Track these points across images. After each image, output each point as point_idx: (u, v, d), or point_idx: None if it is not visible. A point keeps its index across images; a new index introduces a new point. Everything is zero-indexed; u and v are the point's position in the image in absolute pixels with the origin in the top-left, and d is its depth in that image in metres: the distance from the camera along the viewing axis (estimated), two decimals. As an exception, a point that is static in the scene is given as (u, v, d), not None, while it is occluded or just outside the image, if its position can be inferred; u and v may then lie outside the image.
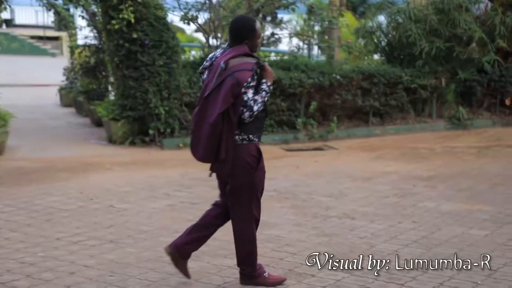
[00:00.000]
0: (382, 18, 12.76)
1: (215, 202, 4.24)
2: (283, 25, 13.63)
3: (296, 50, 12.16)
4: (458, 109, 11.18)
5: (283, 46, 14.91)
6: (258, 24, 3.83)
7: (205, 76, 3.84)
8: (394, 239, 5.24)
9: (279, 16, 16.84)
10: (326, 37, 12.30)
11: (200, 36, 19.33)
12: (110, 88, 12.36)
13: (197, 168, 8.25)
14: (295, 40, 12.83)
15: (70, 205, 6.24)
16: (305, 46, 13.20)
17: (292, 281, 4.18)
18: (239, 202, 3.96)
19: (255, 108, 3.64)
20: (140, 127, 9.84)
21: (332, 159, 9.08)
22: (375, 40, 12.25)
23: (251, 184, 3.89)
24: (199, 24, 11.18)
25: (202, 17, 11.48)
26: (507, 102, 11.54)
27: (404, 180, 7.59)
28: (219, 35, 10.94)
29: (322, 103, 10.58)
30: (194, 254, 4.77)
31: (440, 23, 10.84)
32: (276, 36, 12.19)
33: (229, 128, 3.60)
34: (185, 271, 4.13)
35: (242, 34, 3.74)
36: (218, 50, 3.92)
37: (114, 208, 6.16)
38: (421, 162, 8.67)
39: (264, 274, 4.06)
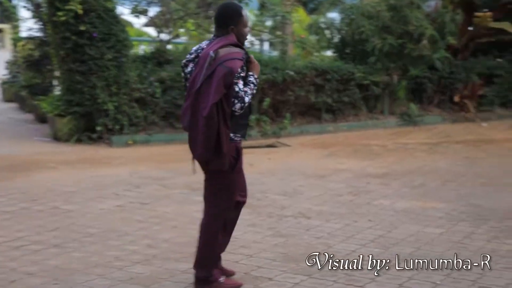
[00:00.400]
0: (334, 14, 12.76)
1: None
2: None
3: (249, 45, 11.99)
4: (409, 106, 11.25)
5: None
6: (245, 11, 3.67)
7: (188, 69, 3.66)
8: (351, 239, 5.13)
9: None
10: (279, 32, 12.18)
11: (149, 30, 18.97)
12: (55, 82, 11.90)
13: (146, 166, 8.08)
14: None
15: (12, 206, 5.90)
16: (257, 41, 13.06)
17: (249, 286, 4.00)
18: (210, 201, 3.79)
19: (246, 99, 3.45)
20: (87, 124, 9.49)
21: (286, 156, 8.97)
22: (328, 36, 12.21)
23: (226, 185, 3.71)
24: (150, 17, 10.88)
25: (153, 10, 11.20)
26: (456, 99, 11.69)
27: (357, 177, 7.53)
28: (171, 29, 10.66)
29: (275, 100, 10.47)
30: (144, 258, 4.56)
31: (392, 20, 10.88)
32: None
33: (224, 121, 3.40)
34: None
35: (227, 18, 3.57)
36: (204, 42, 3.72)
37: (59, 210, 5.85)
38: (374, 159, 8.65)
39: (220, 280, 3.86)
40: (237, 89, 3.41)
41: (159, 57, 10.13)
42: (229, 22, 3.57)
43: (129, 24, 18.42)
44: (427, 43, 10.86)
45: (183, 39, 13.17)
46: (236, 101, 3.42)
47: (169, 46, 11.14)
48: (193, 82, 3.51)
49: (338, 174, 7.68)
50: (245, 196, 4.00)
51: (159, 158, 8.62)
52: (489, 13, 11.52)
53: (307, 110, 10.95)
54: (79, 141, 9.34)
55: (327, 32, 12.32)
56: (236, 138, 3.62)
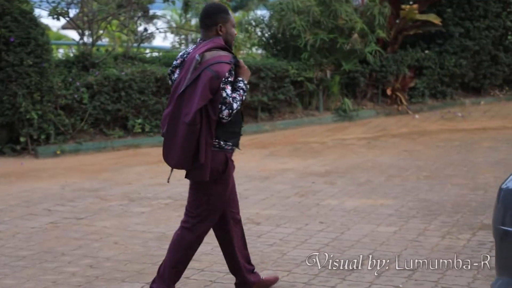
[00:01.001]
0: (263, 11, 12.58)
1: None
2: (157, 19, 13.00)
3: (178, 45, 11.64)
4: (343, 101, 11.21)
5: (158, 42, 14.31)
6: (231, 12, 3.50)
7: (175, 75, 3.41)
8: (305, 244, 4.93)
9: (154, 11, 16.14)
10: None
11: (68, 33, 18.15)
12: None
13: (79, 177, 7.58)
14: (170, 36, 12.33)
15: None
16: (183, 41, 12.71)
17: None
18: (190, 211, 3.56)
19: (234, 106, 3.22)
20: (9, 135, 8.86)
21: (225, 159, 8.67)
22: (259, 33, 12.01)
23: (209, 198, 3.45)
24: (70, 19, 10.29)
25: (74, 12, 10.62)
26: (388, 92, 11.76)
27: (302, 177, 7.35)
28: (94, 30, 10.12)
29: (209, 100, 10.13)
30: (85, 280, 4.16)
31: (323, 15, 10.79)
32: (149, 32, 11.54)
33: (208, 128, 3.18)
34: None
35: (213, 18, 3.36)
36: (190, 46, 3.58)
37: (-15, 232, 5.33)
38: (316, 157, 8.51)
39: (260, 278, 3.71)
40: (224, 94, 3.19)
41: (84, 61, 9.59)
42: (215, 21, 3.36)
43: (47, 27, 17.60)
44: (357, 37, 10.84)
45: (105, 41, 12.62)
46: (223, 107, 3.18)
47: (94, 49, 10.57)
48: (177, 87, 3.28)
49: (281, 174, 7.47)
50: (237, 213, 3.73)
51: (92, 167, 8.14)
52: (415, 5, 11.64)
53: (243, 110, 10.66)
54: (1, 153, 8.69)
55: (257, 29, 12.10)
56: (226, 147, 3.37)
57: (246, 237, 5.02)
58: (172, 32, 12.49)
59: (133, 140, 9.48)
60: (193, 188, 3.50)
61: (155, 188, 6.88)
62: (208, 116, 3.17)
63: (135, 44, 11.03)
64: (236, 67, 3.34)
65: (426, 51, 12.28)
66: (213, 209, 3.49)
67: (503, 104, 12.98)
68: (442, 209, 5.84)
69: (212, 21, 3.37)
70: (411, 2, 12.17)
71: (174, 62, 3.48)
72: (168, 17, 14.41)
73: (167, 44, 13.03)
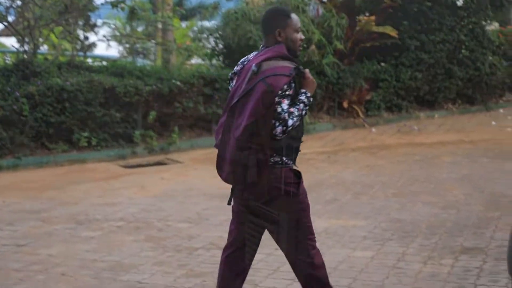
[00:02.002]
0: (215, 21, 12.15)
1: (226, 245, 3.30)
2: (99, 27, 12.35)
3: (126, 54, 11.04)
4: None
5: (102, 51, 13.64)
6: (294, 15, 3.13)
7: (233, 82, 3.10)
8: (278, 272, 4.47)
9: (98, 19, 15.45)
10: (159, 39, 11.35)
11: (4, 40, 17.15)
12: None
13: (18, 196, 6.88)
14: (114, 45, 11.75)
15: None
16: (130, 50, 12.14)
17: None
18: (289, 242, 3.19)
19: (290, 122, 2.86)
20: None
21: (180, 175, 8.14)
22: (212, 43, 11.55)
23: (297, 215, 3.10)
24: (9, 24, 9.56)
25: (13, 17, 9.90)
26: (345, 104, 11.51)
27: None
28: (36, 37, 9.41)
29: (162, 112, 9.60)
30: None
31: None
32: (93, 41, 10.91)
33: (260, 145, 2.84)
34: None
35: (272, 22, 3.04)
36: (252, 53, 3.14)
37: None
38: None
39: None
40: (279, 109, 2.85)
41: (24, 69, 8.87)
42: (272, 26, 3.03)
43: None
44: (315, 49, 10.54)
45: (43, 49, 11.88)
46: (277, 123, 2.84)
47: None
48: (232, 96, 3.00)
49: (242, 192, 6.97)
50: (314, 239, 3.31)
51: (33, 185, 7.45)
52: (372, 17, 11.47)
53: (197, 123, 10.17)
54: None
55: (210, 39, 11.65)
56: (289, 162, 3.02)
57: (211, 266, 4.55)
58: (118, 41, 11.89)
59: (79, 155, 8.82)
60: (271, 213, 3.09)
61: (104, 209, 6.29)
62: (259, 132, 2.84)
63: (81, 53, 10.37)
64: (300, 78, 3.02)
65: (382, 64, 12.12)
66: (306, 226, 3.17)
67: (456, 118, 12.97)
68: (417, 230, 5.50)
69: (269, 26, 3.07)
70: (367, 14, 12.00)
71: (235, 68, 3.16)
72: (113, 26, 13.80)
73: (112, 53, 12.41)
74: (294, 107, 2.90)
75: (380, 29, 11.59)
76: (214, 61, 11.76)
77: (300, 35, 3.13)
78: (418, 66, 12.26)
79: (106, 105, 9.01)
